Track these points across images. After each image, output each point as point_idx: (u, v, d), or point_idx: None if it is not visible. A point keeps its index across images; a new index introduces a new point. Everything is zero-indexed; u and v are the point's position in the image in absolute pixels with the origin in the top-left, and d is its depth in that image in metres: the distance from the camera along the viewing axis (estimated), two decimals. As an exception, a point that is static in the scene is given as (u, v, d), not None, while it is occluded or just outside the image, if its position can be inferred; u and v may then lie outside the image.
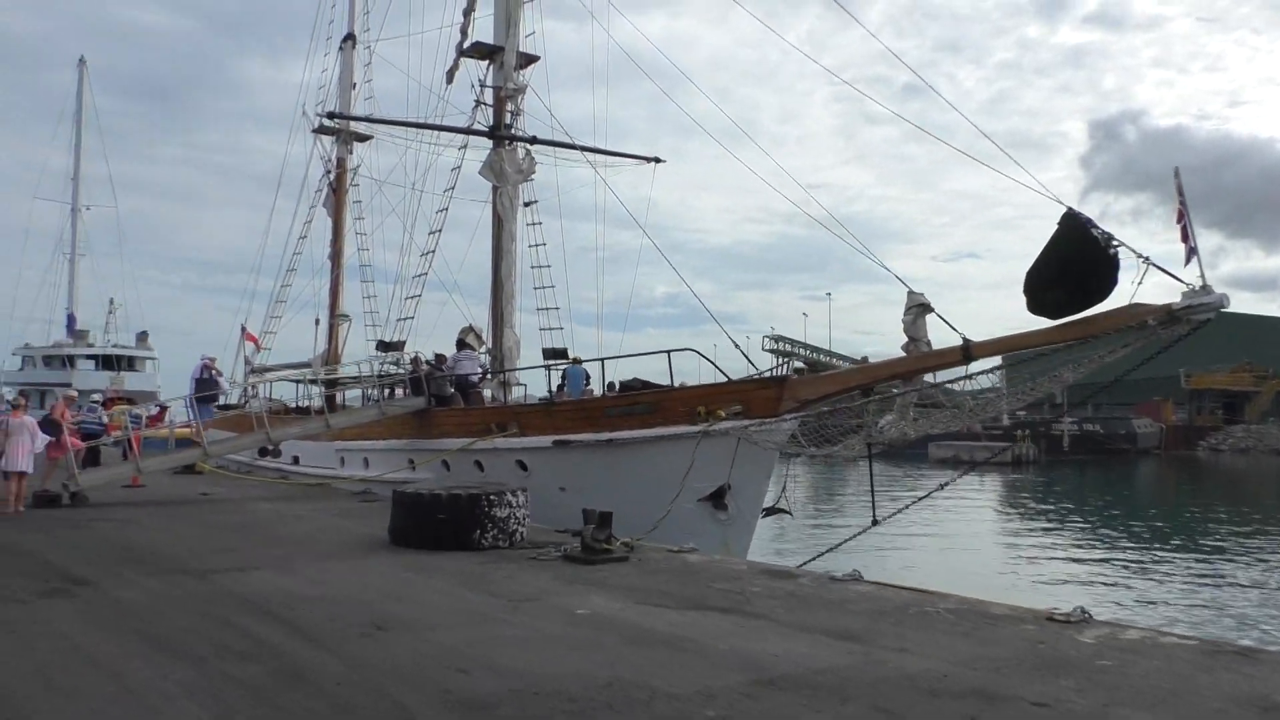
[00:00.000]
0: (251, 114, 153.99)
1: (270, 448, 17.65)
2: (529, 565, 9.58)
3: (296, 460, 22.24)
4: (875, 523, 12.80)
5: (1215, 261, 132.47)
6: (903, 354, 12.49)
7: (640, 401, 14.64)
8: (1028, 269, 10.82)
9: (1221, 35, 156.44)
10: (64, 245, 55.66)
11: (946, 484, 12.19)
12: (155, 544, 10.71)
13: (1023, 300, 10.61)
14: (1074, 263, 10.39)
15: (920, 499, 12.67)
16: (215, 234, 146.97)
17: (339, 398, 24.86)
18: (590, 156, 21.23)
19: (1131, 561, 22.65)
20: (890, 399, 12.67)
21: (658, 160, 22.79)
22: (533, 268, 21.68)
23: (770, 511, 15.04)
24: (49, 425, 15.28)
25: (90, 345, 52.25)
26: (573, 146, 21.02)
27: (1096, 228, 10.28)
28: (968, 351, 11.61)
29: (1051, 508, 35.61)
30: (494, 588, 8.33)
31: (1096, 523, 30.83)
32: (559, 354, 21.67)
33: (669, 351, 14.36)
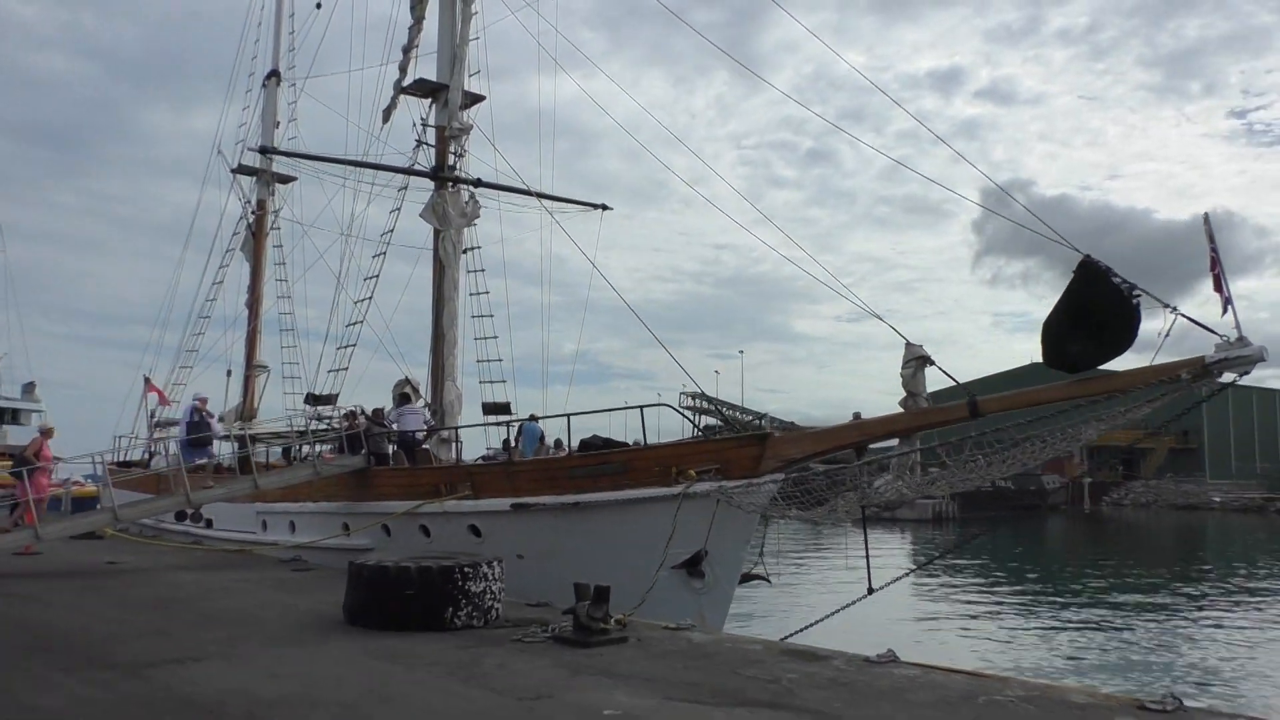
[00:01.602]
0: (153, 162, 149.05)
1: (190, 511, 15.93)
2: (518, 650, 8.36)
3: (209, 523, 20.35)
4: (870, 591, 11.90)
5: None
6: (899, 409, 11.76)
7: (610, 461, 13.56)
8: (1044, 320, 10.23)
9: (1101, 113, 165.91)
10: (-56, 291, 51.87)
11: (948, 552, 11.37)
12: (69, 627, 9.11)
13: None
14: (1093, 313, 9.82)
15: (923, 566, 11.82)
16: (112, 285, 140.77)
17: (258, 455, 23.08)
18: (538, 201, 20.30)
19: (1052, 619, 22.29)
20: (886, 458, 11.88)
21: (605, 207, 22.01)
22: (474, 317, 20.53)
23: (746, 579, 14.08)
24: None
25: (-30, 397, 48.51)
26: (521, 191, 20.07)
27: (1116, 276, 9.73)
28: (974, 408, 10.93)
29: (973, 564, 35.50)
30: (491, 681, 7.10)
31: (1014, 580, 30.73)
32: (501, 409, 20.45)
33: (642, 406, 13.34)
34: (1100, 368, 10.20)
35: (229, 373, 28.72)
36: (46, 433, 17.67)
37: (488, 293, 20.38)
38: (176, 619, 9.68)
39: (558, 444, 19.23)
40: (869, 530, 13.08)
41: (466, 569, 9.50)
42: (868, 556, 12.03)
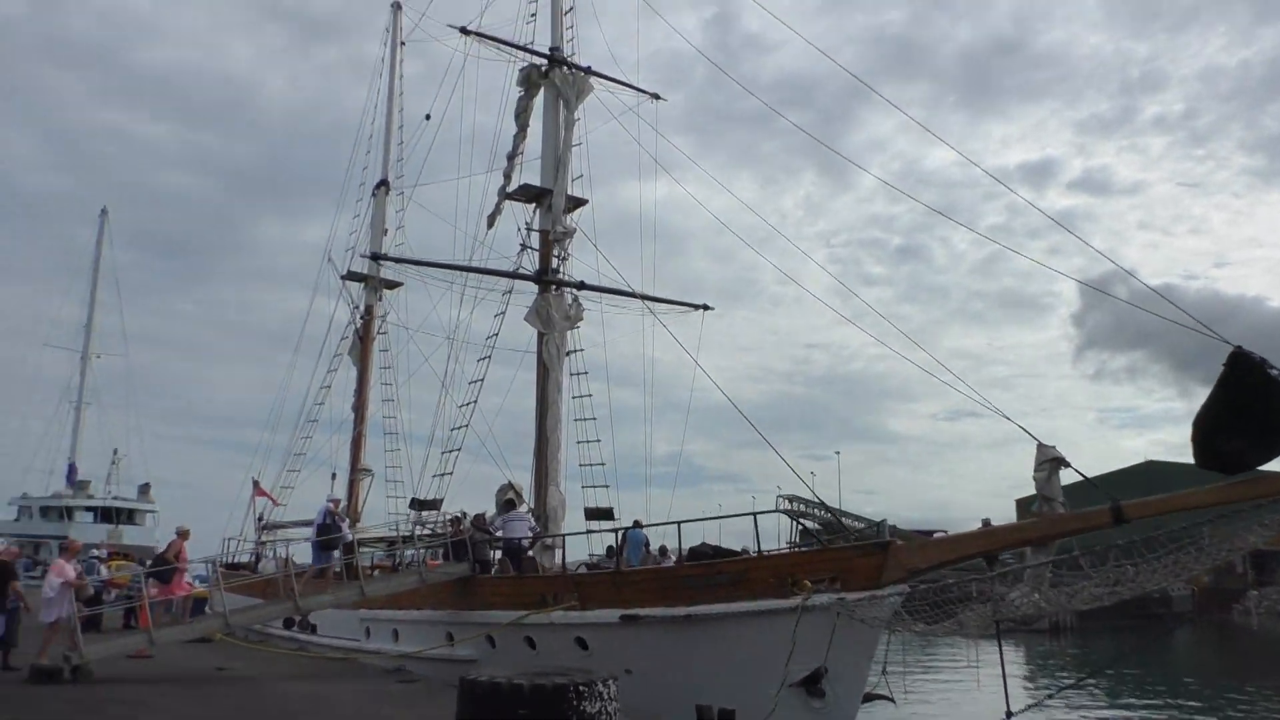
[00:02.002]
0: (263, 272, 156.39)
1: (298, 618, 15.87)
2: (638, 779, 7.85)
3: (314, 628, 20.31)
4: (1010, 715, 10.98)
5: None
6: (1035, 517, 11.04)
7: (723, 570, 13.03)
8: (1194, 417, 9.50)
9: (1204, 199, 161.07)
10: (71, 394, 54.54)
11: (1102, 669, 10.47)
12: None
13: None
14: (1248, 408, 9.07)
15: (1065, 688, 10.89)
16: (223, 389, 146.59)
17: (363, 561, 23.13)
18: (642, 302, 20.29)
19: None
20: (1021, 568, 11.10)
21: (706, 307, 21.87)
22: (576, 420, 20.40)
23: (869, 698, 13.22)
24: None
25: (90, 497, 50.30)
26: (624, 293, 20.10)
27: (1274, 368, 9.00)
28: (1118, 513, 10.16)
29: (1097, 682, 32.91)
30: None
31: (1146, 696, 28.24)
32: (604, 514, 20.12)
33: (754, 514, 12.85)
34: (1260, 468, 9.40)
35: (334, 475, 29.11)
36: (184, 534, 18.06)
37: (590, 395, 20.29)
38: (286, 735, 9.44)
39: (663, 551, 18.75)
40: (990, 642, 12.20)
41: (582, 688, 9.04)
42: (1004, 676, 11.13)
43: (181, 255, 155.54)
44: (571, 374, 20.15)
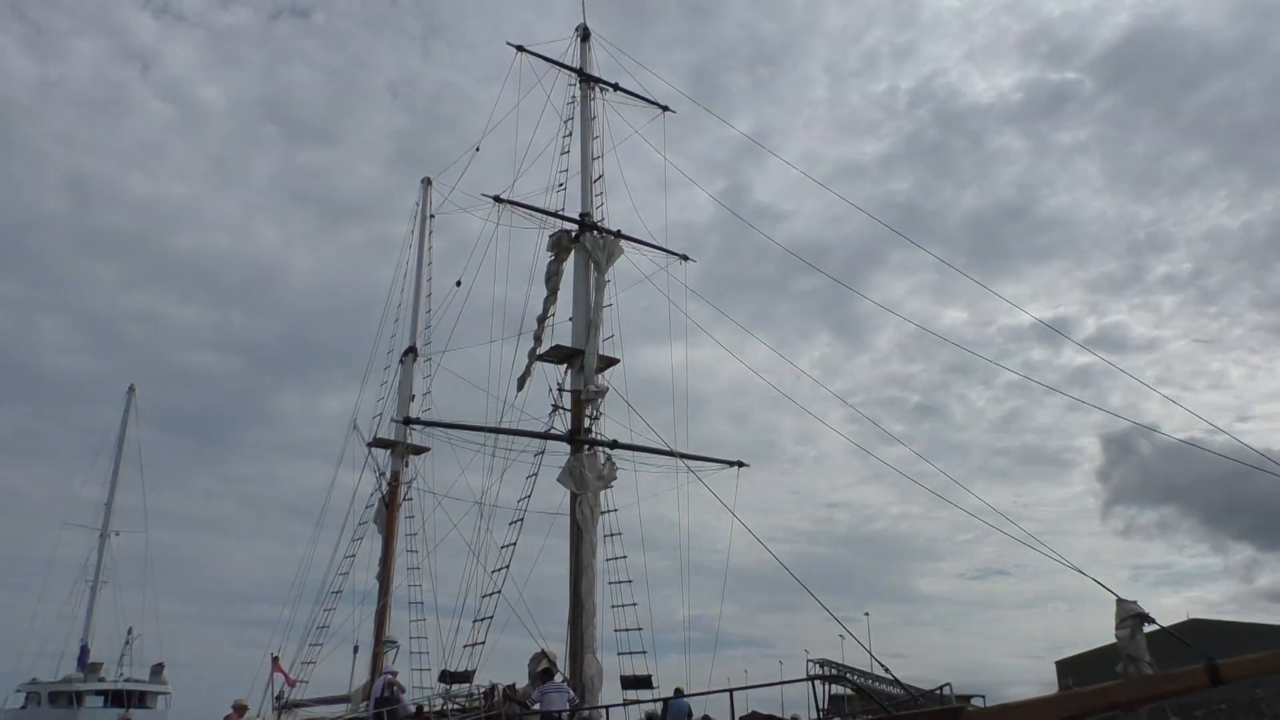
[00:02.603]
0: (283, 445, 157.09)
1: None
2: None
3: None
4: None
5: (1251, 574, 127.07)
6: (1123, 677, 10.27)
7: (785, 744, 12.17)
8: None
9: (1221, 354, 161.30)
10: (87, 572, 53.53)
11: None
12: None
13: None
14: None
15: None
16: (237, 564, 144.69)
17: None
18: (677, 460, 19.93)
19: None
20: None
21: (741, 464, 21.45)
22: (611, 583, 19.70)
23: None
24: None
25: (101, 680, 48.47)
26: (660, 451, 19.78)
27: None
28: (1215, 673, 9.43)
29: None
30: None
31: None
32: (642, 682, 19.14)
33: (812, 679, 12.08)
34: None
35: (355, 649, 28.10)
36: (240, 709, 17.28)
37: (625, 557, 19.66)
38: None
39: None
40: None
41: None
42: None
43: (203, 432, 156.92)
44: (605, 536, 19.61)
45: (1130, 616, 10.27)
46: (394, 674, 17.17)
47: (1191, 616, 78.36)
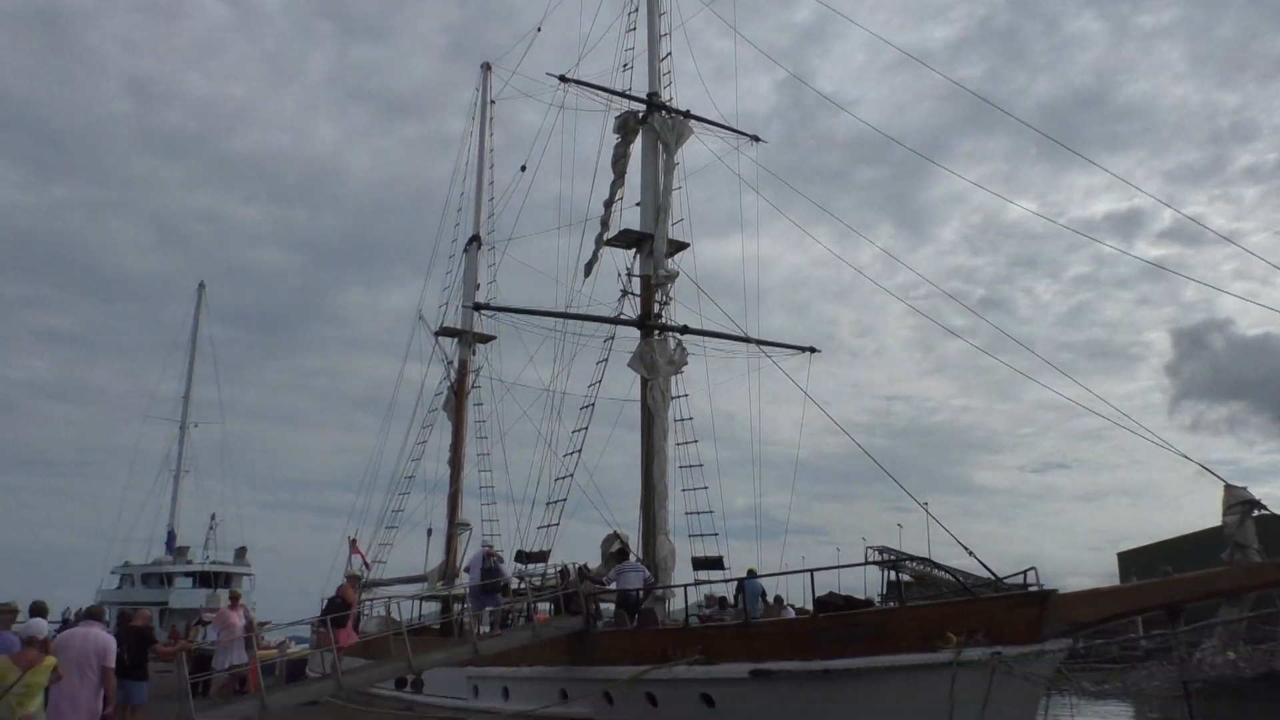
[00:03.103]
0: (347, 340, 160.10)
1: (412, 677, 15.31)
2: None
3: (417, 687, 19.70)
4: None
5: None
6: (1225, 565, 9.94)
7: (864, 622, 12.11)
8: None
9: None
10: (170, 463, 55.67)
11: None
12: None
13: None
14: None
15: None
16: (308, 454, 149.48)
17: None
18: (747, 345, 19.64)
19: None
20: (1210, 624, 9.93)
21: (813, 350, 21.08)
22: (681, 468, 19.69)
23: (1027, 763, 12.05)
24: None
25: (189, 562, 50.91)
26: (731, 336, 19.48)
27: None
28: (1329, 557, 9.04)
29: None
30: None
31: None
32: (714, 563, 19.29)
33: (891, 563, 11.90)
34: None
35: (429, 531, 28.83)
36: (354, 579, 17.86)
37: (696, 442, 19.60)
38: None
39: (779, 601, 17.82)
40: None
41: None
42: (1195, 741, 9.94)
43: (271, 328, 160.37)
44: (676, 420, 19.52)
45: (1239, 503, 9.89)
46: (490, 546, 17.31)
47: (1263, 510, 77.24)
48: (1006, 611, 11.40)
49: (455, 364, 27.01)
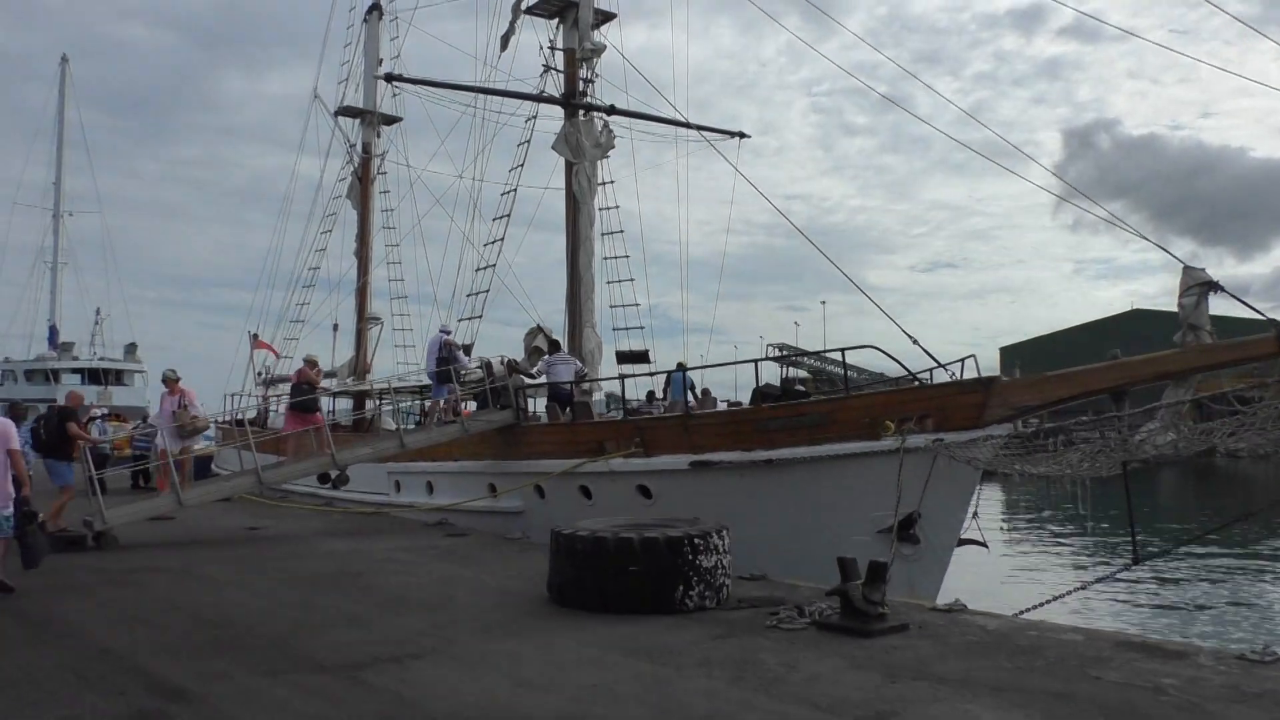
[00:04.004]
0: (228, 128, 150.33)
1: (336, 473, 14.75)
2: (785, 641, 6.83)
3: (335, 484, 19.26)
4: (1137, 561, 10.11)
5: None
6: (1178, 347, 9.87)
7: (808, 412, 11.92)
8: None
9: (1194, 47, 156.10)
10: (45, 255, 52.26)
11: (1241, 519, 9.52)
12: (247, 614, 7.83)
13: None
14: None
15: (1201, 535, 9.94)
16: (193, 249, 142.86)
17: (372, 413, 22.01)
18: (677, 130, 18.57)
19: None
20: (1154, 407, 9.97)
21: (742, 135, 20.13)
22: (606, 259, 18.98)
23: (960, 544, 12.38)
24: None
25: (75, 358, 48.76)
26: (660, 119, 18.34)
27: None
28: (1286, 341, 9.00)
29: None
30: (796, 689, 5.58)
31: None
32: (639, 357, 18.97)
33: (843, 349, 11.64)
34: None
35: (335, 327, 27.79)
36: (312, 363, 16.81)
37: (622, 231, 18.82)
38: (361, 601, 8.36)
39: (706, 393, 17.70)
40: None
41: (697, 540, 7.98)
42: (1132, 521, 10.18)
43: (144, 113, 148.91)
44: (601, 209, 18.61)
45: (1197, 284, 9.69)
46: (450, 332, 16.32)
47: (1134, 306, 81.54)
48: (951, 398, 11.34)
49: (358, 148, 25.11)
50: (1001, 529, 24.16)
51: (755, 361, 12.66)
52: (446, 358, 15.80)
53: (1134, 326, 69.19)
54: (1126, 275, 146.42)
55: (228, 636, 6.91)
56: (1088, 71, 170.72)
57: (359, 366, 24.74)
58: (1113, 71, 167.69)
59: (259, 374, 28.32)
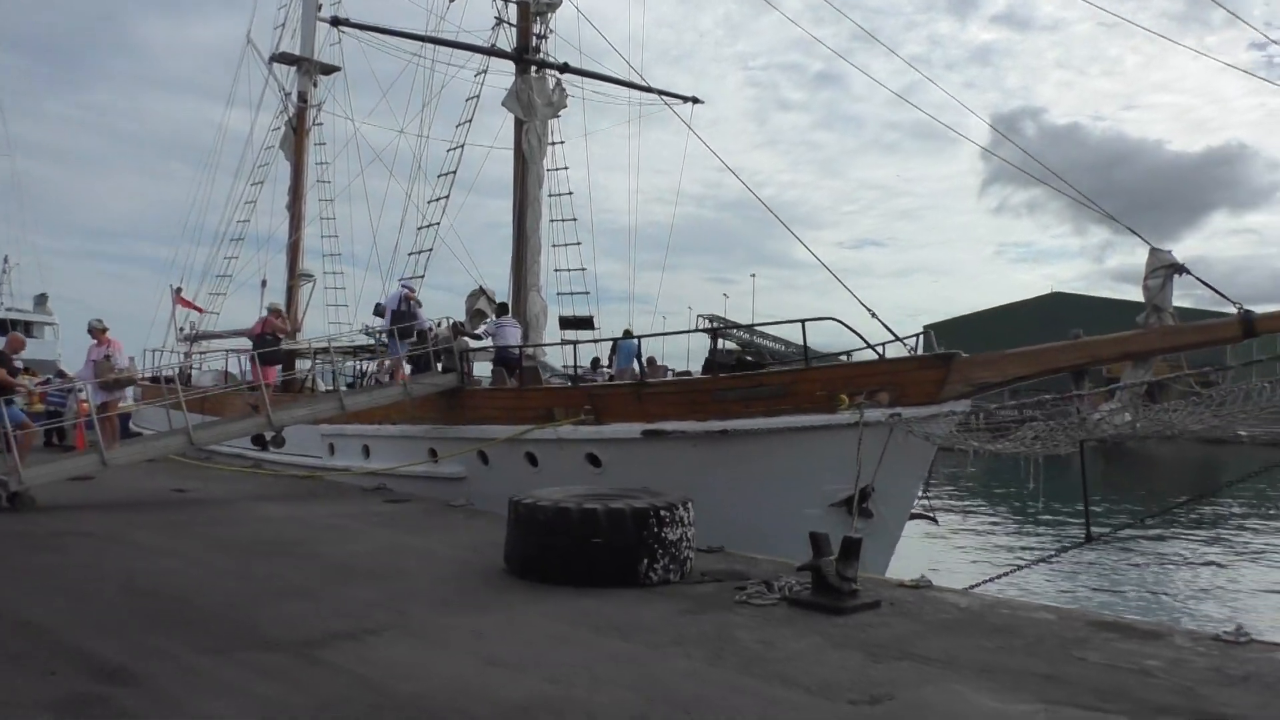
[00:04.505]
0: (151, 77, 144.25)
1: (272, 434, 14.08)
2: (759, 618, 6.60)
3: (265, 445, 18.53)
4: (1090, 539, 10.14)
5: (1103, 256, 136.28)
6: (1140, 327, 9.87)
7: (766, 383, 11.70)
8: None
9: (1120, 41, 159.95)
10: (-53, 197, 49.44)
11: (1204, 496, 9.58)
12: (181, 582, 7.31)
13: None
14: None
15: (1158, 515, 10.00)
16: (113, 200, 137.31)
17: (307, 374, 21.24)
18: (630, 93, 18.11)
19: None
20: (1118, 387, 9.97)
21: (696, 100, 19.72)
22: (553, 221, 18.49)
23: (910, 518, 12.37)
24: None
25: (-21, 308, 46.42)
26: (613, 80, 17.85)
27: None
28: (1249, 326, 9.03)
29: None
30: (776, 668, 5.35)
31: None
32: (583, 323, 18.58)
33: (803, 321, 11.43)
34: None
35: (264, 283, 26.69)
36: (276, 312, 15.81)
37: (571, 194, 18.34)
38: (305, 570, 7.89)
39: (651, 363, 17.42)
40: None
41: (663, 512, 7.70)
42: (1086, 498, 10.21)
43: (58, 56, 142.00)
44: (550, 170, 18.10)
45: (1163, 266, 9.67)
46: (411, 288, 15.53)
47: (1055, 290, 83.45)
48: (911, 373, 11.23)
49: (294, 96, 24.01)
50: (944, 503, 24.42)
51: (712, 331, 12.37)
52: (406, 312, 15.13)
53: (1053, 309, 70.81)
54: (1044, 259, 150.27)
55: (165, 609, 6.40)
56: (1017, 59, 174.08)
57: (292, 325, 23.77)
58: (1042, 61, 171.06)
59: (180, 330, 27.20)
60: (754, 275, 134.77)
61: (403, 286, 15.49)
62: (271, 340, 14.75)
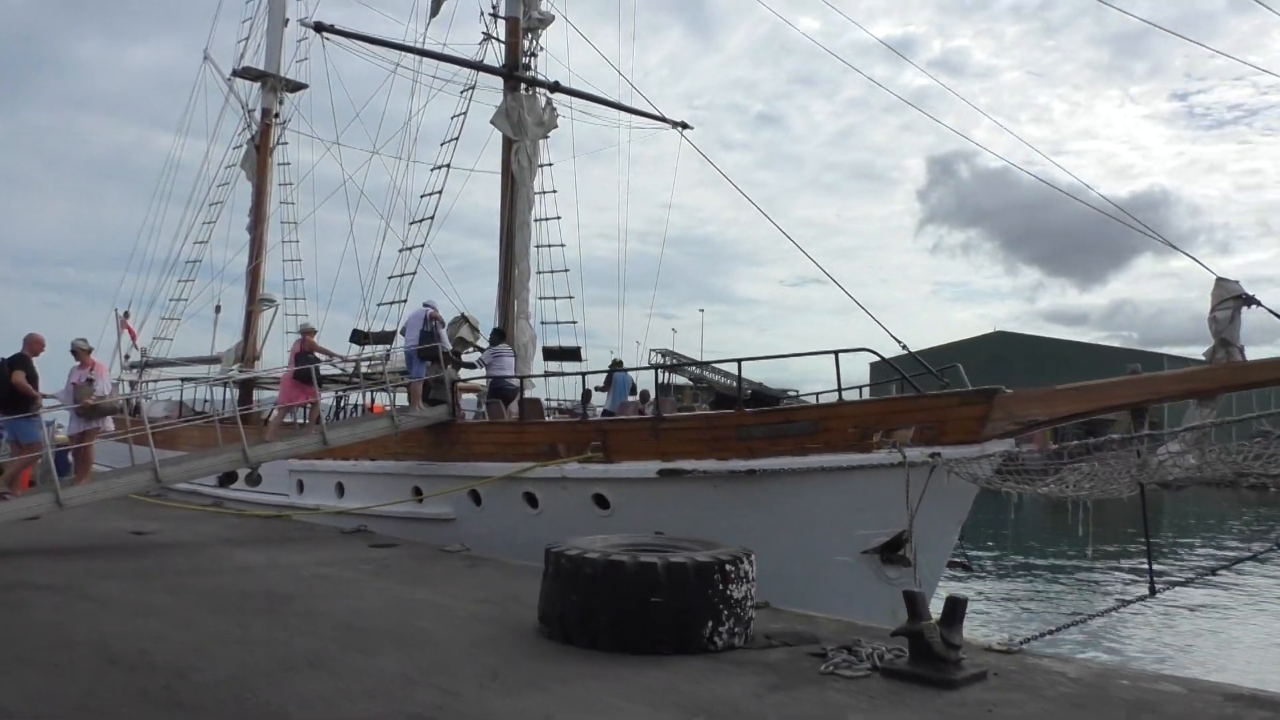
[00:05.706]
0: (84, 97, 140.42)
1: (248, 470, 12.83)
2: (858, 693, 5.68)
3: (223, 483, 17.14)
4: (1153, 593, 9.38)
5: (1035, 296, 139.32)
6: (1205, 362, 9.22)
7: (796, 419, 10.84)
8: None
9: (1048, 89, 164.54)
10: None
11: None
12: (168, 649, 6.14)
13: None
14: None
15: (1224, 566, 9.29)
16: (32, 225, 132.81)
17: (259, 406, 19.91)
18: (619, 115, 17.35)
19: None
20: (1180, 431, 9.27)
21: (685, 125, 19.01)
22: (539, 247, 17.54)
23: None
24: None
25: (-98, 332, 43.81)
26: (604, 101, 17.06)
27: None
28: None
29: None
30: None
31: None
32: (570, 354, 17.62)
33: (837, 351, 10.61)
34: None
35: (218, 308, 25.25)
36: (310, 331, 14.45)
37: (560, 218, 17.45)
38: (308, 633, 6.77)
39: (644, 397, 16.49)
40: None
41: (729, 566, 6.75)
42: (1149, 547, 9.49)
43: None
44: (539, 193, 17.18)
45: (1230, 298, 9.04)
46: (434, 306, 14.22)
47: (998, 328, 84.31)
48: (952, 409, 10.47)
49: (257, 112, 22.78)
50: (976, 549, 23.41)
51: (738, 361, 11.49)
52: (430, 332, 13.95)
53: (996, 348, 71.27)
54: (978, 299, 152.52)
55: (159, 688, 5.26)
56: (952, 104, 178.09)
57: (248, 352, 22.42)
58: (976, 104, 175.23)
59: (126, 357, 25.57)
60: (702, 310, 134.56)
61: (426, 306, 14.33)
62: (312, 360, 13.56)
